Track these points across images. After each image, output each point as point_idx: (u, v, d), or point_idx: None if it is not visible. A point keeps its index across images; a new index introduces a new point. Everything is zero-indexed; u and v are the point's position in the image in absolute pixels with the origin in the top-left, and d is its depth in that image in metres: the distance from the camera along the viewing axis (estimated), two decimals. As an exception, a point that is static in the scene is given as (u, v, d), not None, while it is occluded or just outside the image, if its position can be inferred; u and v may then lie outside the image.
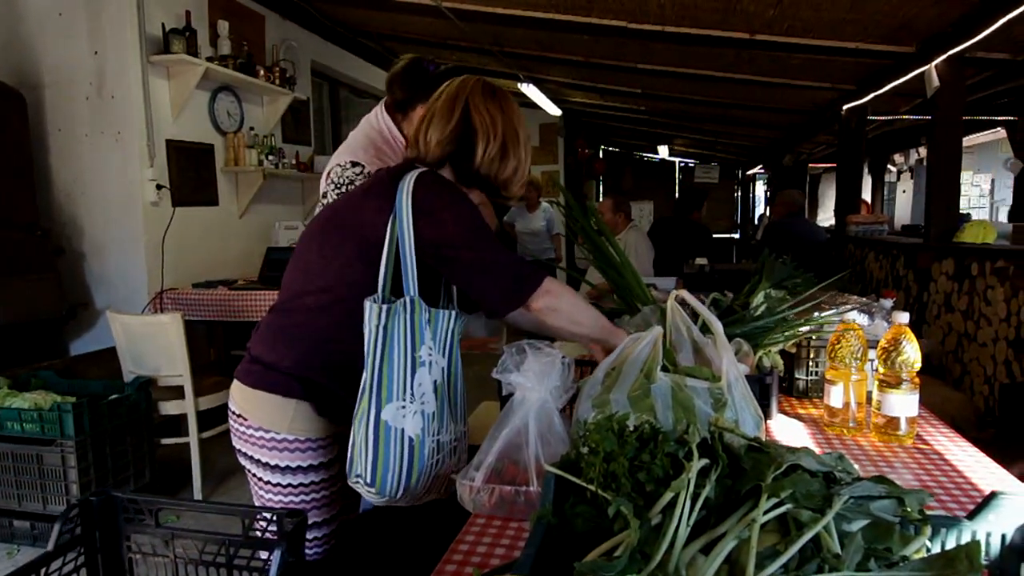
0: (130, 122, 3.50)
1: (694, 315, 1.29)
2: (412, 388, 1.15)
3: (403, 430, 1.14)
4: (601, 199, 11.01)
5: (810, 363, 1.71)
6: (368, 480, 1.14)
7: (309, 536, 1.30)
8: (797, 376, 1.71)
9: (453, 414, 1.23)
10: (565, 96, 6.95)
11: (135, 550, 0.87)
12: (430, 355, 1.18)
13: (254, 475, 1.29)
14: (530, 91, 6.29)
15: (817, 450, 1.36)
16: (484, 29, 4.74)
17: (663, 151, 10.26)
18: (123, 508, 0.86)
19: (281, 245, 4.37)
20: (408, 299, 1.15)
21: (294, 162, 4.72)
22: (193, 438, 2.91)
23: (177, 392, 2.90)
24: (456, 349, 1.25)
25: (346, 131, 6.33)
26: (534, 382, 1.10)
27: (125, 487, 2.66)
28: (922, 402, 1.77)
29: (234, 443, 1.29)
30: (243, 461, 1.29)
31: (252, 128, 4.39)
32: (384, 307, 1.13)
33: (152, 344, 2.85)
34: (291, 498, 1.28)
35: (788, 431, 1.48)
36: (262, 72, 4.27)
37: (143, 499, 0.84)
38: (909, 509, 0.78)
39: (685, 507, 0.74)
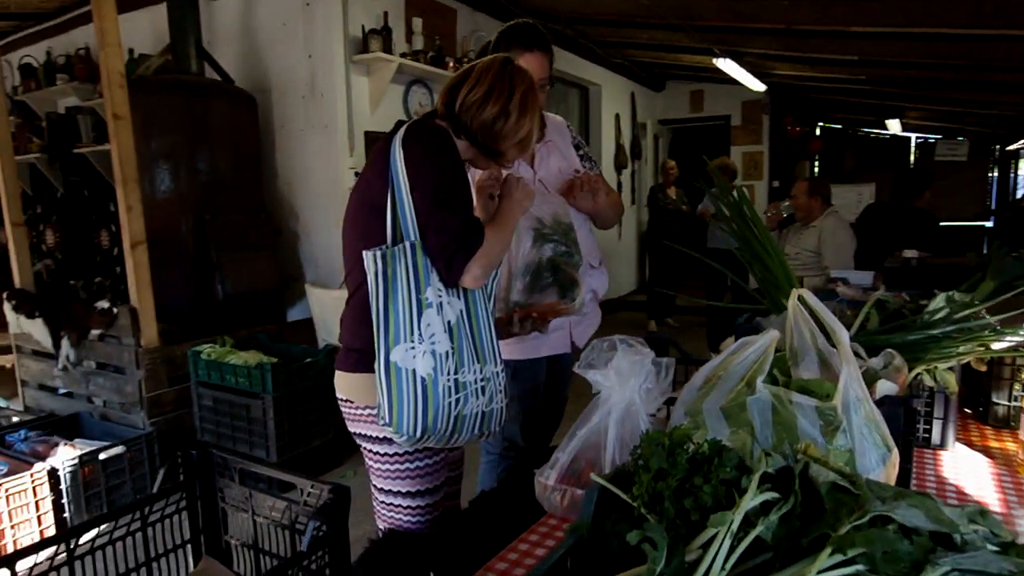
0: (334, 117, 3.92)
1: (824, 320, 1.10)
2: (419, 329, 1.18)
3: (414, 370, 1.17)
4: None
5: (1015, 385, 1.37)
6: (386, 421, 1.19)
7: (412, 504, 1.36)
8: (995, 400, 1.40)
9: (478, 354, 1.25)
10: (768, 69, 6.35)
11: (228, 502, 0.96)
12: (439, 297, 1.21)
13: (368, 451, 1.38)
14: (727, 66, 5.86)
15: (997, 496, 1.09)
16: (672, 4, 4.49)
17: (894, 126, 8.93)
18: (216, 463, 0.96)
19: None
20: (408, 244, 1.19)
21: (479, 149, 4.93)
22: (370, 403, 3.20)
23: (359, 361, 3.21)
24: (478, 293, 1.27)
25: (535, 117, 6.49)
26: (615, 381, 1.02)
27: (314, 441, 3.03)
28: None
29: (348, 428, 1.39)
30: (359, 442, 1.39)
31: (442, 118, 4.66)
32: (378, 252, 1.18)
33: (338, 315, 3.18)
34: (396, 466, 1.35)
35: (965, 468, 1.20)
36: (451, 64, 4.50)
37: (230, 458, 0.93)
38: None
39: (723, 547, 0.64)
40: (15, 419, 3.00)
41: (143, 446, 2.62)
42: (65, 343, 3.11)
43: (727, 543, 0.63)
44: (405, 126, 1.26)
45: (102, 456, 2.49)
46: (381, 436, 1.33)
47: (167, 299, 3.53)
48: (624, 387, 1.03)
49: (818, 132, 10.07)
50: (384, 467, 1.36)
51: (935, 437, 1.27)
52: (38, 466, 2.33)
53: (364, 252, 1.19)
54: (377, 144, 1.31)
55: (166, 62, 3.83)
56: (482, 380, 1.25)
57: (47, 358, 3.34)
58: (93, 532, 0.83)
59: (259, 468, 0.95)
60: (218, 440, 3.06)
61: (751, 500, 0.67)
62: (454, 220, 1.20)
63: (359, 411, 1.34)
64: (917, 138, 10.09)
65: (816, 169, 10.08)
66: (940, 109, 7.55)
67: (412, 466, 1.35)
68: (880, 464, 0.88)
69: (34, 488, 2.29)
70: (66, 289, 3.62)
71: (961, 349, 1.14)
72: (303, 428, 2.98)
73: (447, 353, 1.20)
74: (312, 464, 3.01)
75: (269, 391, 2.85)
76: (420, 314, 1.19)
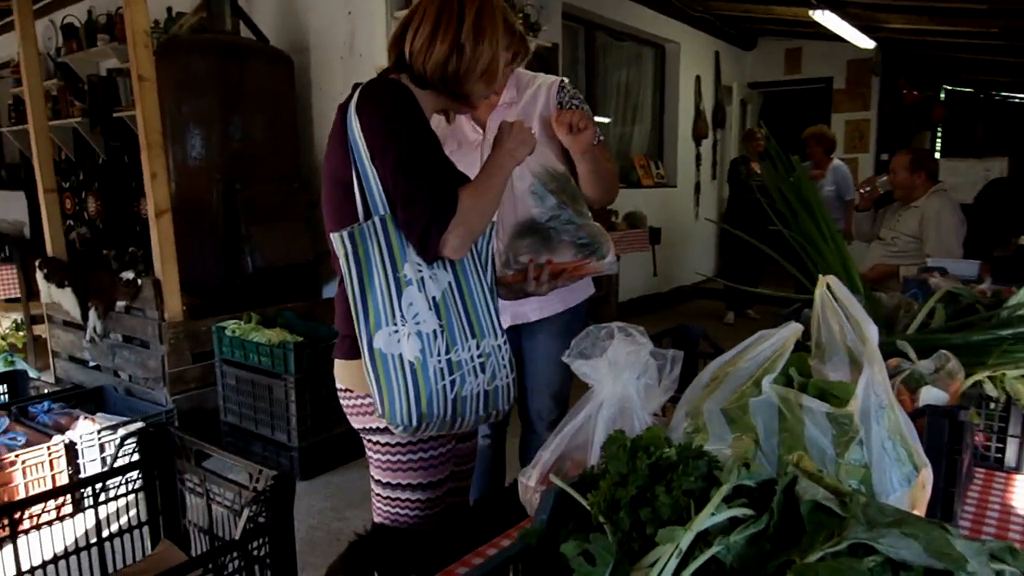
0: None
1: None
2: (401, 310, 1.18)
3: (401, 355, 1.18)
4: (939, 155, 9.35)
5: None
6: (380, 412, 1.19)
7: (414, 497, 1.38)
8: (1095, 418, 1.27)
9: (473, 328, 1.24)
10: (879, 22, 5.98)
11: (187, 484, 1.00)
12: (419, 272, 1.20)
13: (370, 441, 1.39)
14: (826, 19, 5.56)
15: (1069, 532, 1.00)
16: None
17: (1036, 89, 8.27)
18: (175, 443, 0.99)
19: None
20: (378, 219, 1.19)
21: (535, 115, 4.89)
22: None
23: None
24: (467, 260, 1.26)
25: (602, 81, 6.37)
26: (606, 373, 0.99)
27: (337, 427, 3.11)
28: None
29: (351, 422, 1.41)
30: (362, 435, 1.41)
31: (493, 80, 4.64)
32: (346, 233, 1.17)
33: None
34: (399, 457, 1.36)
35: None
36: (505, 20, 4.47)
37: (187, 438, 0.97)
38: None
39: (668, 567, 0.61)
40: (46, 391, 3.23)
41: (163, 423, 2.77)
42: (92, 314, 3.32)
43: (673, 563, 0.60)
44: (360, 90, 1.24)
45: (121, 432, 2.64)
46: (383, 426, 1.34)
47: (197, 272, 3.70)
48: (618, 381, 1.00)
49: (942, 97, 9.43)
50: (386, 458, 1.37)
51: (1009, 458, 1.18)
52: (56, 439, 2.50)
53: (331, 234, 1.20)
54: (337, 115, 1.30)
55: (200, 20, 3.98)
56: (480, 357, 1.24)
57: (77, 329, 3.58)
58: (38, 507, 0.88)
59: (213, 450, 0.98)
60: (240, 421, 3.19)
61: (711, 516, 0.63)
62: (422, 188, 1.18)
63: (359, 401, 1.36)
64: (1067, 104, 9.30)
65: (938, 141, 9.47)
66: (1095, 69, 6.92)
67: (416, 457, 1.36)
68: (904, 484, 0.82)
69: (51, 461, 2.46)
70: (97, 259, 3.85)
71: (1036, 354, 1.05)
72: (327, 413, 3.07)
73: (435, 332, 1.20)
74: (336, 452, 3.10)
75: (291, 372, 2.95)
76: (400, 293, 1.18)
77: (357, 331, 1.20)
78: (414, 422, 1.21)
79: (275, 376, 3.02)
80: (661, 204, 6.54)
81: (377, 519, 1.45)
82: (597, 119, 1.87)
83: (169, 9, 4.55)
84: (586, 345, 1.03)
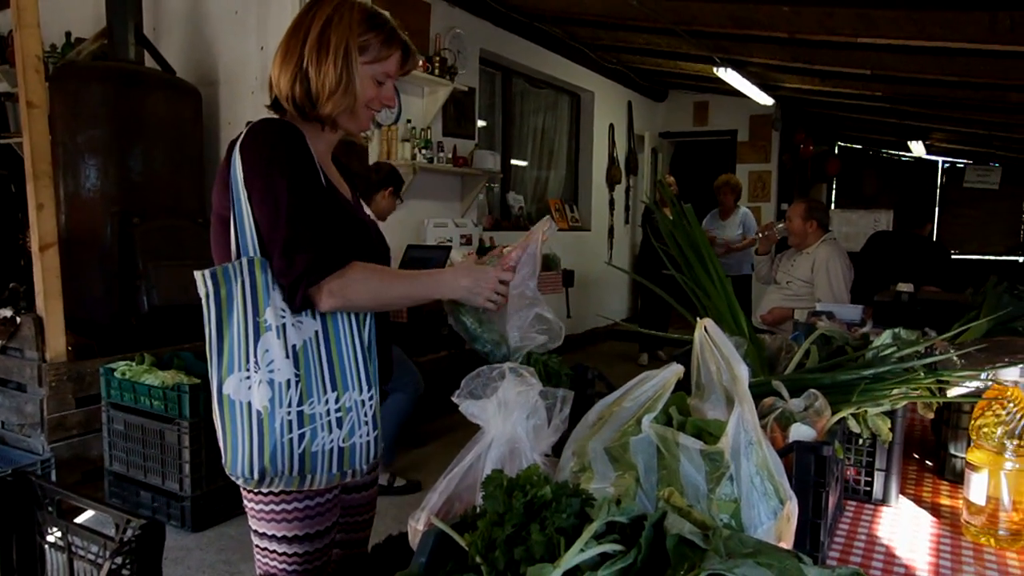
0: (286, 115, 3.94)
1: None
2: (256, 356, 1.15)
3: (250, 403, 1.15)
4: (834, 206, 10.06)
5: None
6: (224, 461, 1.17)
7: (289, 551, 1.32)
8: (953, 453, 1.39)
9: (335, 381, 1.21)
10: (776, 81, 6.44)
11: (48, 539, 0.94)
12: (282, 318, 1.17)
13: (245, 489, 1.34)
14: (729, 76, 5.94)
15: (928, 559, 1.08)
16: (665, 6, 4.56)
17: (917, 148, 9.04)
18: (36, 493, 0.94)
19: (428, 243, 4.63)
20: (245, 260, 1.17)
21: (451, 156, 4.95)
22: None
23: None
24: (341, 313, 1.23)
25: (520, 125, 6.54)
26: (494, 413, 1.01)
27: (233, 474, 2.98)
28: None
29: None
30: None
31: (409, 120, 4.69)
32: (208, 272, 1.15)
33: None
34: (272, 507, 1.30)
35: (904, 527, 1.19)
36: (421, 62, 4.54)
37: (49, 487, 0.91)
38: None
39: (535, 604, 0.62)
40: (-98, 439, 2.96)
41: (23, 471, 2.57)
42: (-38, 355, 3.08)
43: (539, 600, 0.62)
44: (246, 128, 1.24)
45: (-13, 483, 2.44)
46: None
47: (86, 310, 3.51)
48: (507, 421, 1.02)
49: (836, 152, 10.19)
50: (259, 507, 1.31)
51: (876, 491, 1.27)
52: (-90, 492, 2.29)
53: (195, 272, 1.17)
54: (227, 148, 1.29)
55: (101, 47, 3.86)
56: (338, 411, 1.21)
57: (-56, 371, 3.31)
58: None
59: (76, 499, 0.93)
60: (128, 470, 3.01)
61: (580, 552, 0.65)
62: (302, 237, 1.17)
63: None
64: (944, 162, 10.21)
65: (834, 193, 10.19)
66: (967, 131, 7.64)
67: (290, 507, 1.31)
68: (771, 517, 0.87)
69: (-97, 517, 2.24)
70: (-28, 294, 3.60)
71: (895, 392, 1.14)
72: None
73: (289, 381, 1.16)
74: (230, 502, 2.96)
75: (186, 416, 2.82)
76: (257, 339, 1.15)
77: (209, 375, 1.17)
78: (255, 475, 1.17)
79: (168, 421, 2.88)
80: (576, 247, 6.70)
81: (258, 572, 1.39)
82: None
83: (68, 34, 4.39)
84: (476, 385, 1.05)
